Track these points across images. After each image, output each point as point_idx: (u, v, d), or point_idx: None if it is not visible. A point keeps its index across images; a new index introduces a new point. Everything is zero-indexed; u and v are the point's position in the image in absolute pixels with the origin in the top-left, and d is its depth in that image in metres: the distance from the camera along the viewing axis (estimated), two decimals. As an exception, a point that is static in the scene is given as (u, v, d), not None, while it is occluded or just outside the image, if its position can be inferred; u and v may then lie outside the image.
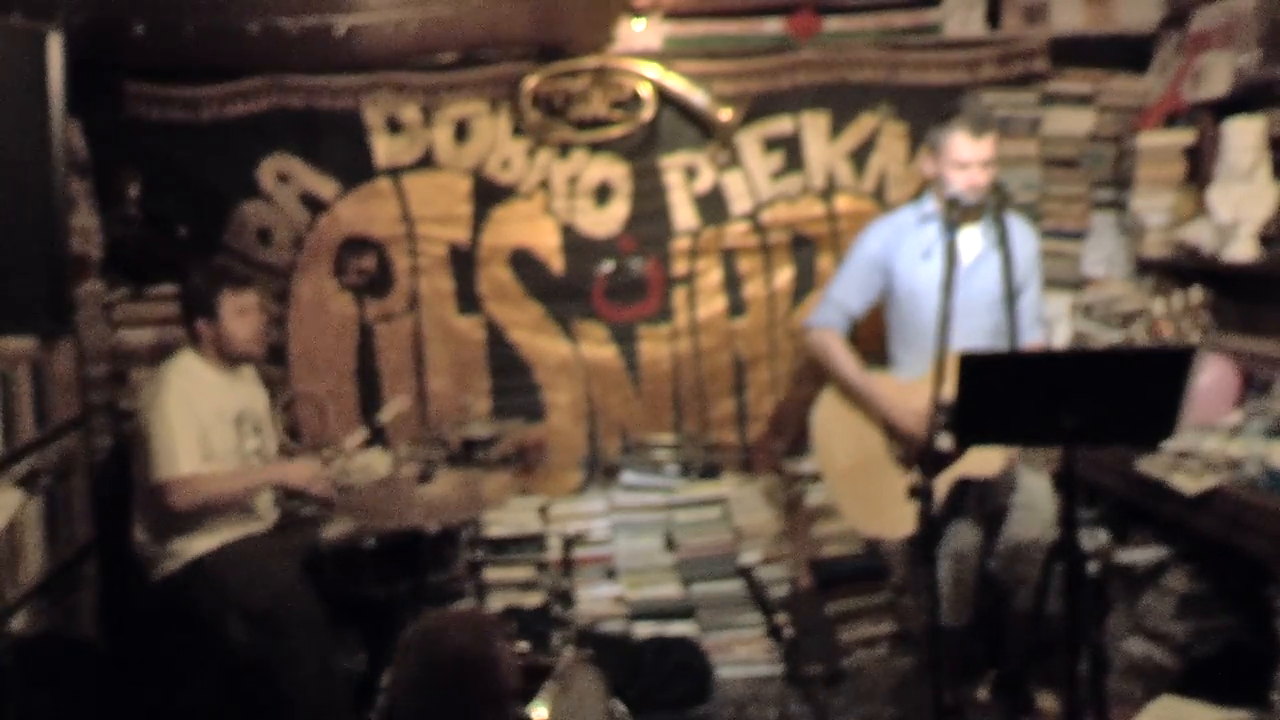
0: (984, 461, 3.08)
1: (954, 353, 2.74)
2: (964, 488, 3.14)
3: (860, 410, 3.25)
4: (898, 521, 3.06)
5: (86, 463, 3.49)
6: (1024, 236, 3.24)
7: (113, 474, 3.53)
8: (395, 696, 2.20)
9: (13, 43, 2.46)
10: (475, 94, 3.87)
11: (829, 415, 3.30)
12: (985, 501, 3.20)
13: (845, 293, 3.33)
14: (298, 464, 3.26)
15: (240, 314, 3.14)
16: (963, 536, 3.19)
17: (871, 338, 3.51)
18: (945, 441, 2.73)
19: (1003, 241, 2.79)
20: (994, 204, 2.95)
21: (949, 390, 2.44)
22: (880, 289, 3.29)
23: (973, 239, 3.18)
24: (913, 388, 3.12)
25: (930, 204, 3.27)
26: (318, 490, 3.19)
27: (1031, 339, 3.22)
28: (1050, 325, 3.64)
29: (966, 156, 3.08)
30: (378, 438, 3.65)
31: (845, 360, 3.26)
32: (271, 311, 3.83)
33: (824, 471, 3.31)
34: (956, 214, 2.85)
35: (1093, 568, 3.54)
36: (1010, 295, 2.79)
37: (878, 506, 3.19)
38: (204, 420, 3.08)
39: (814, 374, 3.98)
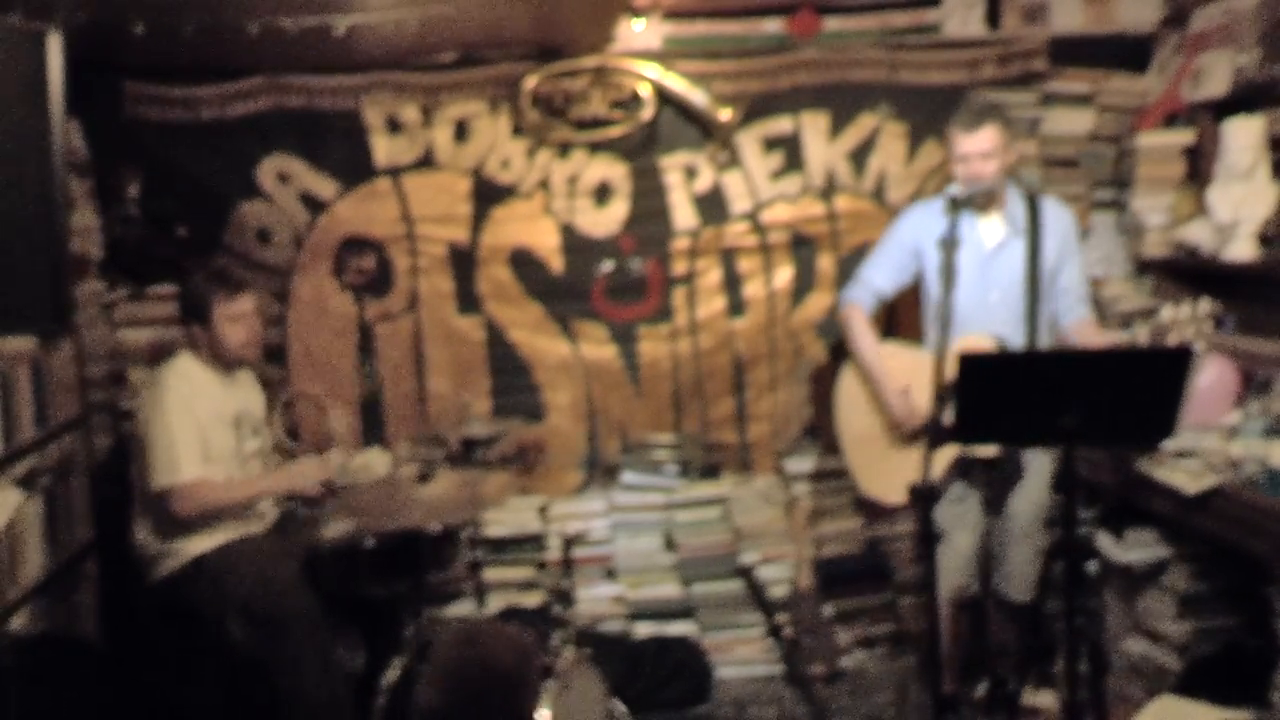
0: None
1: (968, 335, 2.80)
2: (965, 463, 3.19)
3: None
4: (898, 487, 3.16)
5: (86, 463, 3.49)
6: (1058, 217, 3.26)
7: (113, 474, 3.53)
8: (419, 685, 2.19)
9: (13, 43, 2.46)
10: (475, 94, 3.87)
11: (850, 383, 3.43)
12: (991, 483, 3.23)
13: (875, 272, 3.41)
14: (302, 469, 3.22)
15: (232, 320, 3.13)
16: (966, 513, 3.25)
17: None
18: (949, 416, 2.76)
19: (1032, 227, 2.83)
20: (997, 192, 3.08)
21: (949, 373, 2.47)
22: (912, 271, 3.38)
23: (994, 226, 3.23)
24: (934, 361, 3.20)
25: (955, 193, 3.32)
26: (317, 492, 3.19)
27: (1077, 318, 3.23)
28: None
29: (964, 150, 3.15)
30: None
31: (862, 337, 3.37)
32: (271, 311, 3.83)
33: (839, 434, 3.44)
34: (952, 209, 2.86)
35: (1092, 568, 3.56)
36: (1034, 279, 2.82)
37: (881, 471, 3.34)
38: (202, 422, 3.07)
39: (815, 373, 4.00)
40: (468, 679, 1.97)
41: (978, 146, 3.12)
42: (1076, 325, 3.20)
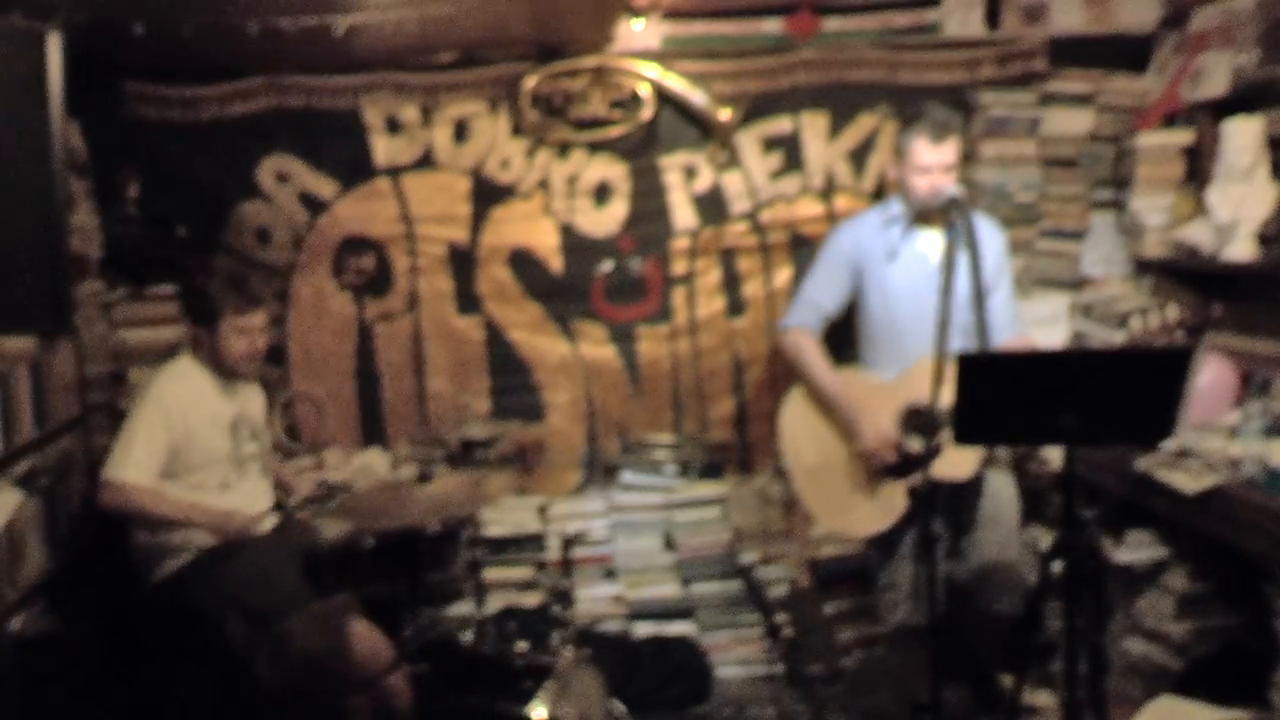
0: (957, 464, 3.07)
1: (924, 356, 2.75)
2: (934, 488, 3.14)
3: (830, 411, 3.25)
4: (862, 520, 3.18)
5: (86, 463, 3.49)
6: (991, 236, 3.25)
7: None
8: (266, 709, 2.17)
9: (12, 43, 2.46)
10: (475, 94, 3.87)
11: (799, 412, 3.30)
12: (954, 505, 3.19)
13: (820, 292, 3.32)
14: (240, 518, 3.12)
15: (240, 333, 3.12)
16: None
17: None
18: (915, 445, 2.74)
19: (970, 242, 2.79)
20: (962, 207, 2.92)
21: (945, 393, 2.44)
22: (852, 289, 3.30)
23: (936, 241, 3.17)
24: (893, 386, 3.15)
25: (896, 207, 3.28)
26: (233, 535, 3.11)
27: (1011, 336, 3.23)
28: (1026, 321, 3.63)
29: (927, 161, 3.10)
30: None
31: (818, 363, 3.25)
32: (271, 311, 3.83)
33: (790, 467, 3.31)
34: (956, 213, 2.85)
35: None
36: (979, 295, 2.79)
37: (843, 505, 3.22)
38: (191, 427, 3.07)
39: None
40: (296, 683, 1.96)
41: (943, 159, 3.09)
42: (1014, 342, 3.18)
